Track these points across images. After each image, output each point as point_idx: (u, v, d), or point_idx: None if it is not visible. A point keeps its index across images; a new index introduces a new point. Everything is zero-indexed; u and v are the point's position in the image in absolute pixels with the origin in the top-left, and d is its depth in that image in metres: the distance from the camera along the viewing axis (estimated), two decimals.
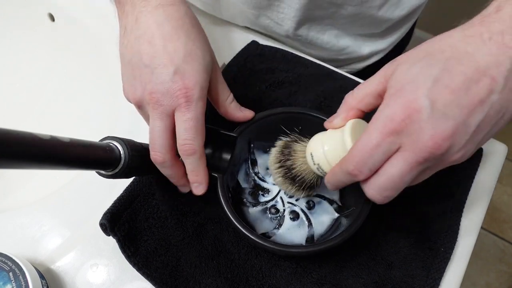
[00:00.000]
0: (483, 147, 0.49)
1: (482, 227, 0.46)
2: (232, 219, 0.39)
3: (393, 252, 0.43)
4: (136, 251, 0.42)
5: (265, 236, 0.43)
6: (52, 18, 0.67)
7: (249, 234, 0.39)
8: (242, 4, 0.56)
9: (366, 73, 0.67)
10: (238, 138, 0.44)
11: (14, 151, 0.28)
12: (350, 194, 0.44)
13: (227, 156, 0.44)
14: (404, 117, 0.29)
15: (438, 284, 0.42)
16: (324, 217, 0.44)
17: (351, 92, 0.35)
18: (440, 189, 0.46)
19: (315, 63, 0.56)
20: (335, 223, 0.44)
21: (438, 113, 0.28)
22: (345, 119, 0.35)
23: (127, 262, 0.42)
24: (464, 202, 0.46)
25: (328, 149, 0.36)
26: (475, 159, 0.49)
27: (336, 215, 0.44)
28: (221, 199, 0.41)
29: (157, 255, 0.43)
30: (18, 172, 0.58)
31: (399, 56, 0.32)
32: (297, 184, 0.40)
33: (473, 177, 0.48)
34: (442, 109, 0.28)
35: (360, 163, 0.31)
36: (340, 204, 0.45)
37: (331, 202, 0.45)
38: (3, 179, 0.61)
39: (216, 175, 0.42)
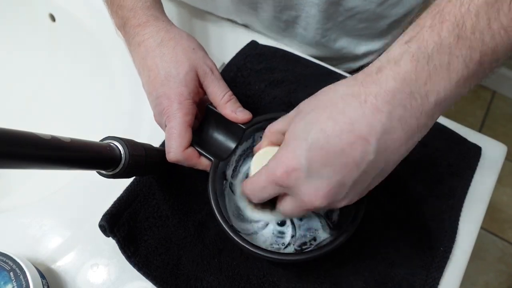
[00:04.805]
0: (482, 147, 0.49)
1: (481, 227, 0.46)
2: (217, 215, 0.40)
3: (393, 251, 0.43)
4: (136, 251, 0.42)
5: (248, 234, 0.43)
6: (52, 18, 0.67)
7: (228, 230, 0.39)
8: (237, 2, 0.57)
9: None
10: (247, 132, 0.44)
11: (15, 151, 0.28)
12: (341, 213, 0.43)
13: (232, 145, 0.44)
14: (283, 172, 0.32)
15: (438, 283, 0.42)
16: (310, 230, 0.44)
17: (270, 124, 0.40)
18: (439, 189, 0.47)
19: (315, 63, 0.56)
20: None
21: (314, 173, 0.31)
22: (263, 147, 0.41)
23: (128, 262, 0.42)
24: (463, 202, 0.46)
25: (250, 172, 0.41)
26: (474, 159, 0.49)
27: (326, 230, 0.44)
28: (210, 193, 0.41)
29: (158, 254, 0.43)
30: (18, 172, 0.58)
31: (304, 100, 0.35)
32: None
33: (472, 177, 0.48)
34: (317, 170, 0.31)
35: (251, 194, 0.37)
36: (328, 221, 0.44)
37: (320, 217, 0.44)
38: (3, 179, 0.61)
39: (212, 159, 0.42)
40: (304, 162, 0.31)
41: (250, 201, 0.43)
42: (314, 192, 0.31)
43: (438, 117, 0.31)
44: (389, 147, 0.30)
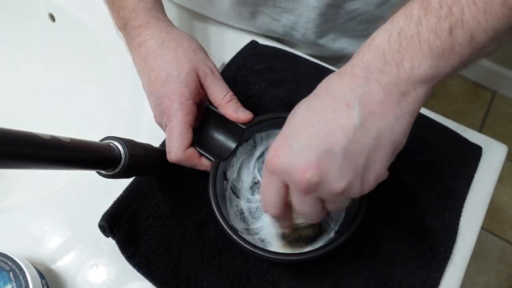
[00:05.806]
0: (482, 147, 0.49)
1: (482, 227, 0.46)
2: (217, 214, 0.40)
3: (394, 251, 0.43)
4: (136, 251, 0.42)
5: (248, 231, 0.43)
6: (52, 18, 0.67)
7: (225, 227, 0.39)
8: (237, 4, 0.56)
9: None
10: (247, 132, 0.44)
11: (15, 151, 0.28)
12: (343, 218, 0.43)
13: (232, 146, 0.44)
14: (272, 155, 0.32)
15: (438, 283, 0.42)
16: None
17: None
18: (440, 189, 0.47)
19: (315, 63, 0.56)
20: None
21: (301, 147, 0.31)
22: None
23: (128, 262, 0.42)
24: (463, 202, 0.46)
25: None
26: (474, 159, 0.49)
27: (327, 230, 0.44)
28: (210, 193, 0.41)
29: (158, 254, 0.43)
30: (18, 172, 0.58)
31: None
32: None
33: (473, 177, 0.48)
34: (304, 143, 0.30)
35: (263, 201, 0.36)
36: (328, 221, 0.44)
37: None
38: (3, 179, 0.61)
39: (213, 159, 0.42)
40: (290, 137, 0.31)
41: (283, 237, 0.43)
42: (304, 164, 0.30)
43: (424, 91, 0.30)
44: (374, 111, 0.30)
